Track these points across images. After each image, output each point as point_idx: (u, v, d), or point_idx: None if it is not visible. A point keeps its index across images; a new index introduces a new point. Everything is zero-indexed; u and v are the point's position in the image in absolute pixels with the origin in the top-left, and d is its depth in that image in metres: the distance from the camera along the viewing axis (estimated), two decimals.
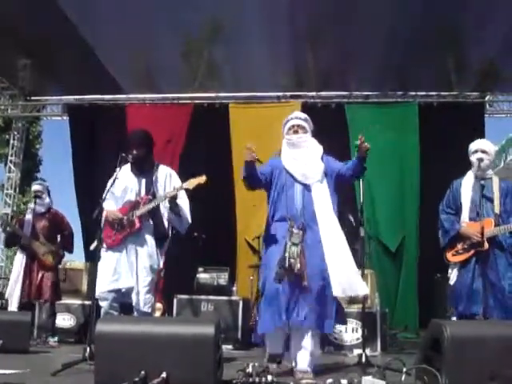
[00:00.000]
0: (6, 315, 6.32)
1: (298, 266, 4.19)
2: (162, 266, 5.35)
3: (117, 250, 5.19)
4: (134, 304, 5.05)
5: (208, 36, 8.98)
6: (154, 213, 5.26)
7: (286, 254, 4.23)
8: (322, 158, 4.73)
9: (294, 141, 4.75)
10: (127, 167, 5.39)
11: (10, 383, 3.32)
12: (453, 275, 5.29)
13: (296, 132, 4.78)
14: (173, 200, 5.17)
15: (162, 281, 9.04)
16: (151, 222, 5.28)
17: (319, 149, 4.79)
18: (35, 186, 7.54)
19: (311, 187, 4.56)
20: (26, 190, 17.76)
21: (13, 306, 7.08)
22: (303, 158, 4.67)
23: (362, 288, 4.51)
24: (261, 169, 4.73)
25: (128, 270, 5.12)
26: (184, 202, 5.33)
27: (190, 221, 5.37)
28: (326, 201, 4.54)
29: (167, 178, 5.44)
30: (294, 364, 4.36)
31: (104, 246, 5.18)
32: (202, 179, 5.15)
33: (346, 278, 4.36)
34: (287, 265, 4.19)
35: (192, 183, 5.15)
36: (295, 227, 4.35)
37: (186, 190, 5.23)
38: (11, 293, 7.13)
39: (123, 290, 5.12)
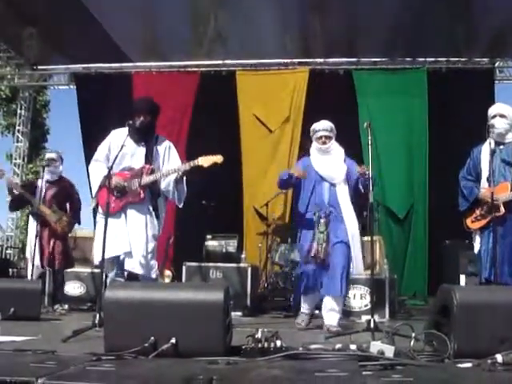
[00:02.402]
0: (17, 283, 6.36)
1: (323, 251, 5.19)
2: (159, 234, 5.36)
3: (116, 216, 5.16)
4: (141, 271, 5.04)
5: (214, 2, 8.87)
6: (154, 183, 5.25)
7: (314, 243, 5.23)
8: (344, 160, 5.61)
9: (324, 150, 5.60)
10: (122, 131, 5.30)
11: (22, 349, 3.34)
12: (476, 244, 5.26)
13: (324, 143, 5.60)
14: (184, 175, 5.15)
15: (172, 248, 9.14)
16: (150, 191, 5.26)
17: (341, 152, 5.67)
18: (49, 154, 7.51)
19: (336, 186, 5.48)
20: (34, 160, 17.78)
21: (30, 274, 7.04)
22: (330, 162, 5.56)
23: (361, 268, 5.58)
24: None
25: (128, 236, 5.10)
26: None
27: (185, 193, 5.37)
28: (346, 196, 5.47)
29: (166, 150, 5.41)
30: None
31: (100, 211, 5.16)
32: (219, 159, 5.07)
33: (358, 259, 5.45)
34: (313, 253, 5.22)
35: (208, 161, 5.07)
36: (322, 217, 5.29)
37: (200, 167, 5.14)
38: (31, 261, 7.11)
39: (122, 257, 5.10)
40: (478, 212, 5.21)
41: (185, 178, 5.29)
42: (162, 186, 5.32)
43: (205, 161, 5.07)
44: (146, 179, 5.17)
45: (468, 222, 5.32)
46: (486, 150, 5.30)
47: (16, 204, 7.61)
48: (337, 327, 5.13)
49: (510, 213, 5.02)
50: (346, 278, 5.22)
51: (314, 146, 5.70)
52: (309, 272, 5.32)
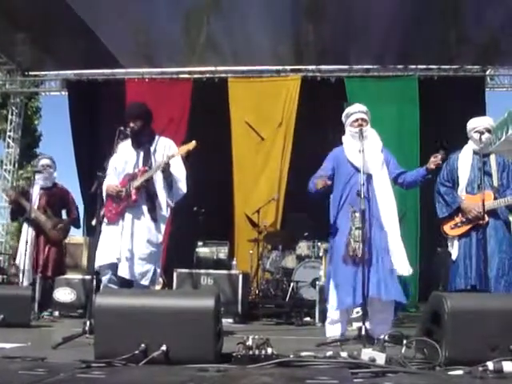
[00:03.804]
0: (6, 290, 6.33)
1: (360, 250, 4.63)
2: (160, 239, 5.26)
3: (115, 223, 5.14)
4: (130, 277, 5.01)
5: (207, 9, 8.87)
6: (149, 184, 5.21)
7: (351, 239, 4.74)
8: (381, 150, 5.17)
9: (360, 134, 5.02)
10: (128, 141, 5.33)
11: (11, 357, 3.32)
12: (454, 250, 5.32)
13: (360, 125, 5.10)
14: (166, 169, 5.08)
15: (163, 255, 9.11)
16: (145, 192, 5.20)
17: (379, 140, 5.22)
18: (44, 160, 7.46)
19: (373, 176, 4.99)
20: (26, 166, 17.71)
21: (21, 281, 6.97)
22: (367, 149, 4.93)
23: (407, 269, 4.93)
24: (324, 169, 5.16)
25: (123, 242, 5.06)
26: (179, 171, 5.23)
27: (184, 190, 5.27)
28: (386, 188, 5.04)
29: (166, 149, 5.35)
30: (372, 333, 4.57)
31: (105, 220, 5.15)
32: (191, 145, 5.07)
33: (403, 258, 4.89)
34: (351, 251, 4.72)
35: (182, 150, 5.09)
36: (357, 211, 4.75)
37: (185, 159, 5.19)
38: (22, 267, 7.04)
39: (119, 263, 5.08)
40: (457, 219, 5.31)
41: (183, 178, 5.25)
42: (161, 185, 5.28)
43: (180, 150, 5.10)
44: (139, 180, 5.15)
45: (446, 228, 5.42)
46: (463, 157, 5.49)
47: (17, 213, 7.49)
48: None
49: (491, 221, 5.16)
50: (395, 279, 4.80)
51: (349, 132, 5.22)
52: (345, 273, 4.79)
